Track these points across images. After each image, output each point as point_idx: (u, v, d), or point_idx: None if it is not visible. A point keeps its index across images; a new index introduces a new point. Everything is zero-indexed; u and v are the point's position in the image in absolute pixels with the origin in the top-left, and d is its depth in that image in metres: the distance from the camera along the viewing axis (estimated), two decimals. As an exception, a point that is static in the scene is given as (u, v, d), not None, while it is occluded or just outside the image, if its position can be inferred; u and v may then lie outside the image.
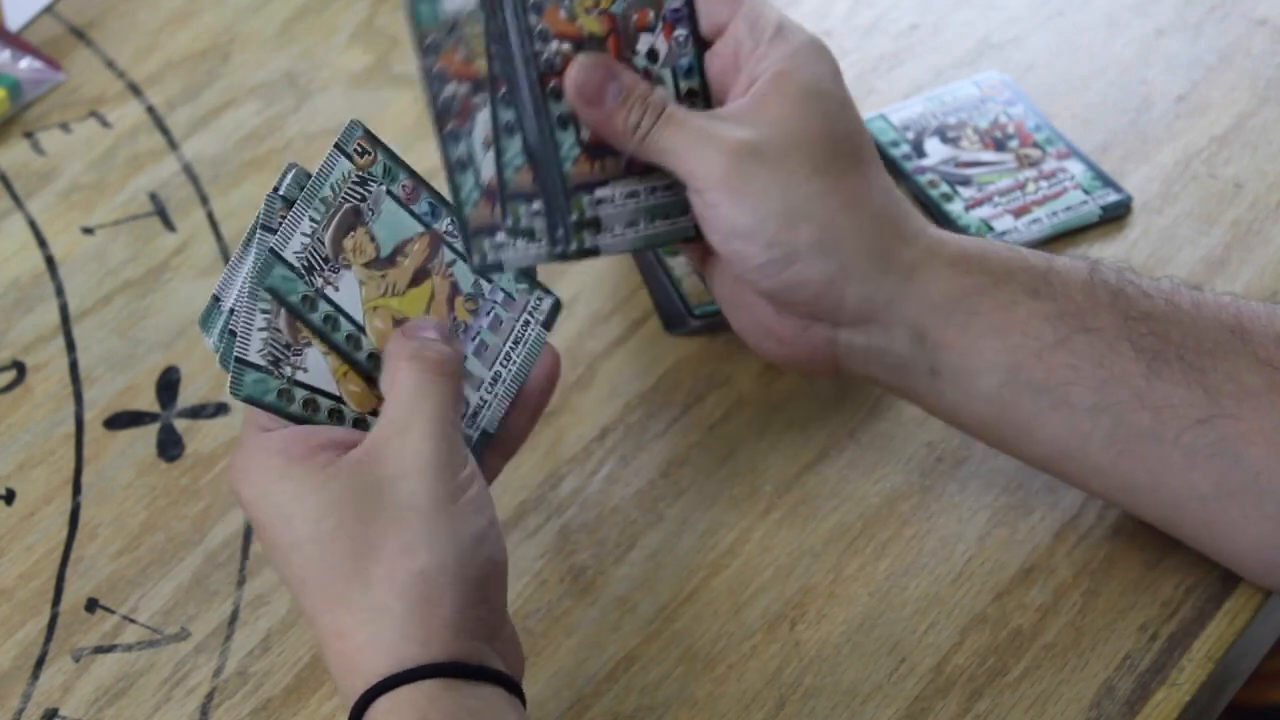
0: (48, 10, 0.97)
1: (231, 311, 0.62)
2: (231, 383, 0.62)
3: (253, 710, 0.68)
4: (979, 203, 0.84)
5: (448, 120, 0.64)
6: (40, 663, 0.70)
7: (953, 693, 0.67)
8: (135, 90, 0.93)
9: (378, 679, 0.57)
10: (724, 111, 0.66)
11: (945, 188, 0.84)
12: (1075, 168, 0.85)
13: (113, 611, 0.71)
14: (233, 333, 0.62)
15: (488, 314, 0.66)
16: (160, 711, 0.68)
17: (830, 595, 0.70)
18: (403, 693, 0.57)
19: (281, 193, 0.63)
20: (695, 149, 0.64)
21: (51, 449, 0.77)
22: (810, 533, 0.72)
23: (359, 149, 0.64)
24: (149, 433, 0.78)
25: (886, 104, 0.89)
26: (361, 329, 0.63)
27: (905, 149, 0.86)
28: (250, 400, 0.62)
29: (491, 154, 0.65)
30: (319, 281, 0.62)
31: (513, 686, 0.59)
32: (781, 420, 0.76)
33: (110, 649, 0.70)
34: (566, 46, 0.65)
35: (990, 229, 0.82)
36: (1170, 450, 0.64)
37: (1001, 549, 0.72)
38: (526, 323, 0.67)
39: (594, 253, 0.66)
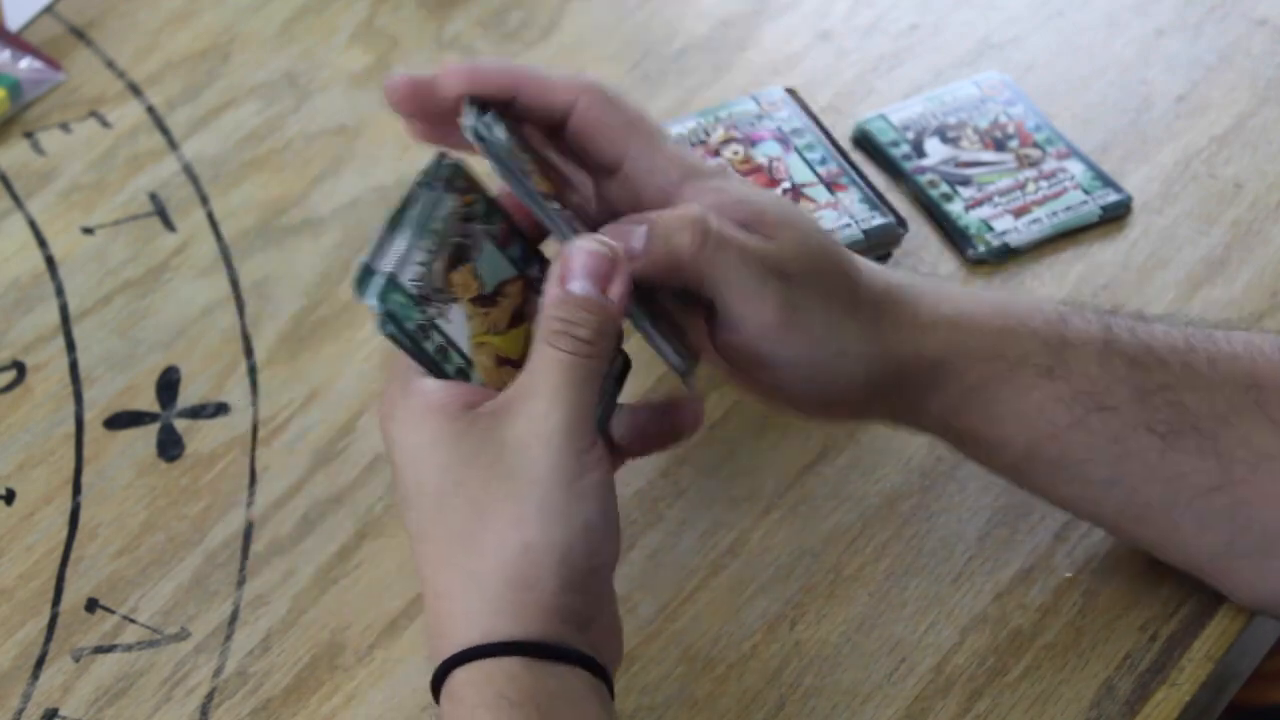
0: (48, 10, 0.97)
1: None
2: (380, 294, 0.59)
3: (253, 710, 0.68)
4: (979, 203, 0.84)
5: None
6: (40, 663, 0.70)
7: (953, 693, 0.67)
8: (135, 90, 0.93)
9: (463, 648, 0.57)
10: (766, 242, 0.64)
11: (945, 188, 0.84)
12: (1075, 168, 0.85)
13: (113, 611, 0.71)
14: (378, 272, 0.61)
15: None
16: (160, 711, 0.68)
17: (830, 595, 0.70)
18: (484, 666, 0.57)
19: (426, 183, 0.63)
20: (754, 286, 0.62)
21: (51, 449, 0.77)
22: (810, 533, 0.72)
23: (461, 187, 0.63)
24: (149, 433, 0.78)
25: (886, 104, 0.89)
26: (470, 362, 0.62)
27: (905, 149, 0.86)
28: (391, 318, 0.60)
29: None
30: (432, 312, 0.61)
31: (599, 671, 0.59)
32: (781, 420, 0.76)
33: (110, 649, 0.70)
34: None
35: (990, 229, 0.82)
36: (1182, 515, 0.65)
37: (1001, 549, 0.72)
38: None
39: None
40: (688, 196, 0.64)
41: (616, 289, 0.60)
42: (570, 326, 0.59)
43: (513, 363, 0.62)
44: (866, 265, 0.66)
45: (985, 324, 0.66)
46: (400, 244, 0.61)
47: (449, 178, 0.63)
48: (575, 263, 0.60)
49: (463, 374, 0.61)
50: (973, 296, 0.68)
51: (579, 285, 0.60)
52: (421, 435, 0.59)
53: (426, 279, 0.61)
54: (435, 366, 0.61)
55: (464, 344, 0.62)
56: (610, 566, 0.60)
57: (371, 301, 0.59)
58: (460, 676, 0.57)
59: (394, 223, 0.61)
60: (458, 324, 0.62)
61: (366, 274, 0.60)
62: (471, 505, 0.58)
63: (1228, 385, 0.65)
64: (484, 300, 0.63)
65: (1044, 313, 0.66)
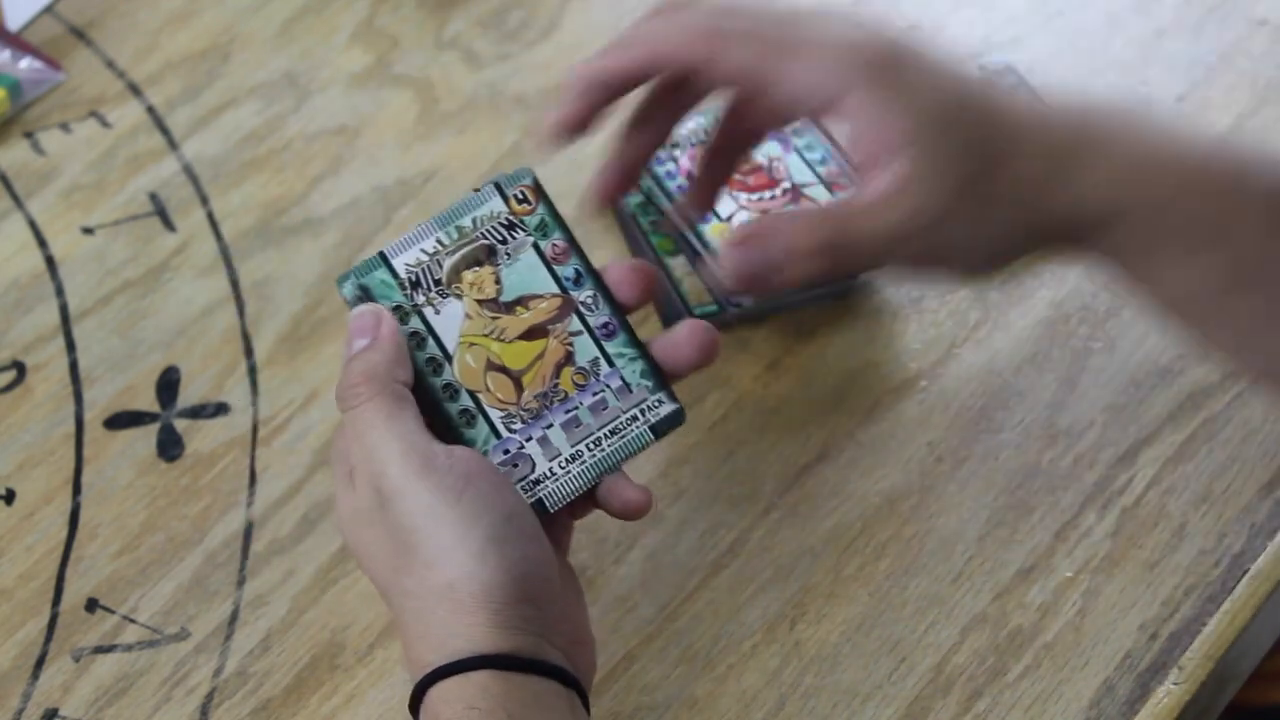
0: (48, 10, 0.97)
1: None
2: (356, 268, 0.63)
3: (253, 710, 0.68)
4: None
5: None
6: (40, 663, 0.70)
7: (953, 692, 0.67)
8: (135, 90, 0.93)
9: (430, 669, 0.58)
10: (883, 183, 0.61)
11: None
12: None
13: (113, 611, 0.71)
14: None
15: (594, 394, 0.64)
16: (160, 711, 0.68)
17: (830, 595, 0.70)
18: (455, 681, 0.58)
19: (489, 185, 0.64)
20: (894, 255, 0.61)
21: (51, 449, 0.77)
22: (810, 533, 0.72)
23: (520, 195, 0.64)
24: (149, 433, 0.78)
25: (886, 104, 0.89)
26: (449, 358, 0.63)
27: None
28: (362, 291, 0.63)
29: None
30: (419, 299, 0.63)
31: (570, 682, 0.59)
32: (781, 420, 0.76)
33: (110, 649, 0.70)
34: None
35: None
36: None
37: (1001, 549, 0.72)
38: (634, 418, 0.64)
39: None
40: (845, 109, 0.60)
41: (381, 330, 0.62)
42: (350, 390, 0.61)
43: (508, 372, 0.63)
44: (1029, 111, 0.62)
45: (1156, 180, 0.62)
46: (420, 234, 0.63)
47: (513, 186, 0.64)
48: (350, 331, 0.63)
49: (434, 364, 0.63)
50: (1149, 130, 0.64)
51: (354, 346, 0.62)
52: (339, 494, 0.62)
53: (426, 267, 0.63)
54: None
55: (449, 339, 0.63)
56: (540, 563, 0.60)
57: (346, 285, 0.63)
58: (434, 694, 0.58)
59: (436, 219, 0.64)
60: (449, 319, 0.63)
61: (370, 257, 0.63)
62: (387, 559, 0.60)
63: None
64: (495, 305, 0.64)
65: (1222, 162, 0.63)
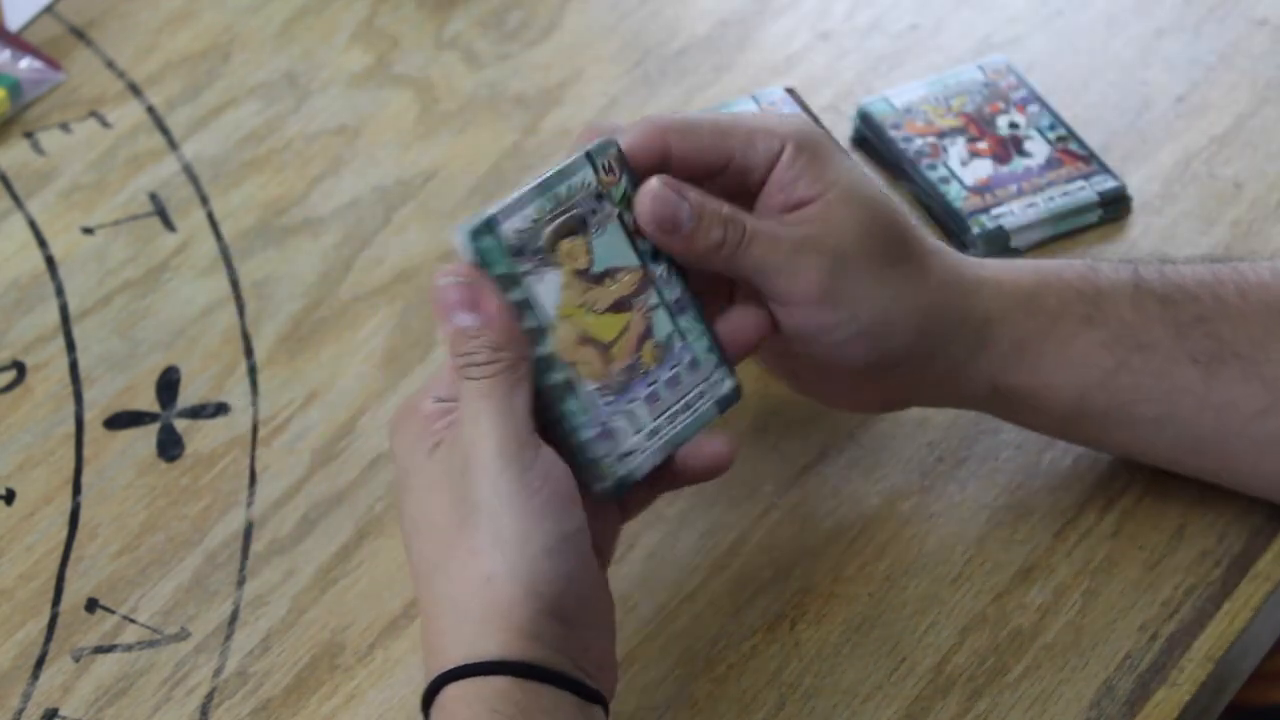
0: (48, 10, 0.97)
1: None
2: (472, 230, 0.61)
3: (253, 710, 0.68)
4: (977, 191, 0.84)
5: None
6: (40, 663, 0.70)
7: (953, 693, 0.67)
8: (135, 90, 0.93)
9: (453, 665, 0.58)
10: (797, 219, 0.65)
11: (944, 171, 0.85)
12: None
13: (113, 611, 0.71)
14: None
15: (671, 369, 0.64)
16: (160, 711, 0.68)
17: (830, 595, 0.70)
18: (474, 683, 0.58)
19: (582, 155, 0.63)
20: (790, 266, 0.64)
21: (51, 449, 0.77)
22: (810, 533, 0.72)
23: (606, 166, 0.64)
24: (149, 433, 0.78)
25: (886, 104, 0.89)
26: (550, 328, 0.62)
27: (906, 132, 0.86)
28: (479, 255, 0.61)
29: None
30: (525, 266, 0.62)
31: (595, 698, 0.59)
32: (781, 420, 0.76)
33: (110, 649, 0.70)
34: None
35: (986, 212, 0.83)
36: (1234, 444, 0.67)
37: (1001, 549, 0.72)
38: (702, 394, 0.65)
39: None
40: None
41: (488, 305, 0.61)
42: (467, 358, 0.60)
43: (598, 344, 0.63)
44: (916, 225, 0.67)
45: (1022, 281, 0.68)
46: (522, 200, 0.62)
47: (602, 156, 0.64)
48: (443, 301, 0.61)
49: (533, 335, 0.61)
50: (1005, 260, 0.70)
51: (456, 320, 0.61)
52: (412, 459, 0.61)
53: (530, 235, 0.62)
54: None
55: (549, 309, 0.62)
56: (585, 587, 0.60)
57: (461, 237, 0.61)
58: (451, 692, 0.58)
59: (536, 187, 0.63)
60: (550, 288, 0.62)
61: (481, 220, 0.62)
62: (441, 534, 0.59)
63: (1261, 312, 0.67)
64: (587, 276, 0.63)
65: (1074, 267, 0.69)
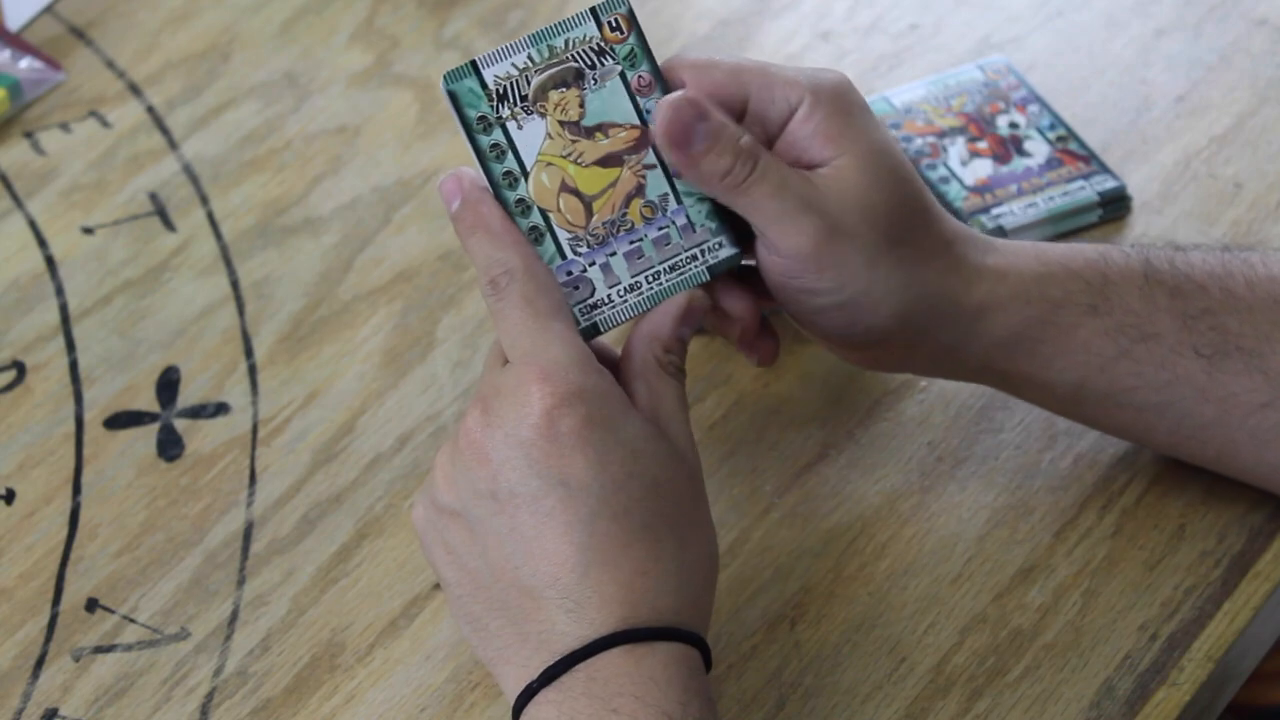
0: (48, 10, 0.97)
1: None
2: (450, 72, 0.63)
3: (253, 710, 0.68)
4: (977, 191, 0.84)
5: None
6: (40, 662, 0.70)
7: (953, 693, 0.67)
8: (135, 90, 0.93)
9: (661, 625, 0.59)
10: (814, 179, 0.64)
11: (944, 170, 0.85)
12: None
13: (113, 611, 0.71)
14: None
15: (659, 229, 0.65)
16: (160, 711, 0.68)
17: (830, 595, 0.70)
18: (679, 647, 0.60)
19: (587, 11, 0.65)
20: (788, 219, 0.63)
21: (51, 449, 0.77)
22: (810, 533, 0.72)
23: (613, 23, 0.65)
24: (149, 433, 0.78)
25: (886, 104, 0.89)
26: (525, 174, 0.64)
27: (906, 132, 0.86)
28: (452, 97, 0.63)
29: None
30: (504, 112, 0.64)
31: (693, 641, 0.60)
32: (781, 420, 0.76)
33: (110, 649, 0.70)
34: None
35: (985, 211, 0.83)
36: (1236, 434, 0.67)
37: (1001, 549, 0.72)
38: (694, 257, 0.66)
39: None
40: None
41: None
42: (677, 361, 0.64)
43: (580, 196, 0.65)
44: (930, 205, 0.67)
45: (1026, 270, 0.67)
46: (513, 48, 0.64)
47: (609, 13, 0.65)
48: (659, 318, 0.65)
49: (510, 179, 0.64)
50: (1015, 245, 0.69)
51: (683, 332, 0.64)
52: (637, 443, 0.61)
53: (515, 82, 0.64)
54: (483, 162, 0.64)
55: (528, 155, 0.64)
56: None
57: (443, 83, 0.63)
58: (657, 654, 0.58)
59: (531, 36, 0.64)
60: (530, 135, 0.64)
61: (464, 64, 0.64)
62: (674, 506, 0.60)
63: (1268, 305, 0.67)
64: (575, 128, 0.65)
65: (1084, 255, 0.68)
